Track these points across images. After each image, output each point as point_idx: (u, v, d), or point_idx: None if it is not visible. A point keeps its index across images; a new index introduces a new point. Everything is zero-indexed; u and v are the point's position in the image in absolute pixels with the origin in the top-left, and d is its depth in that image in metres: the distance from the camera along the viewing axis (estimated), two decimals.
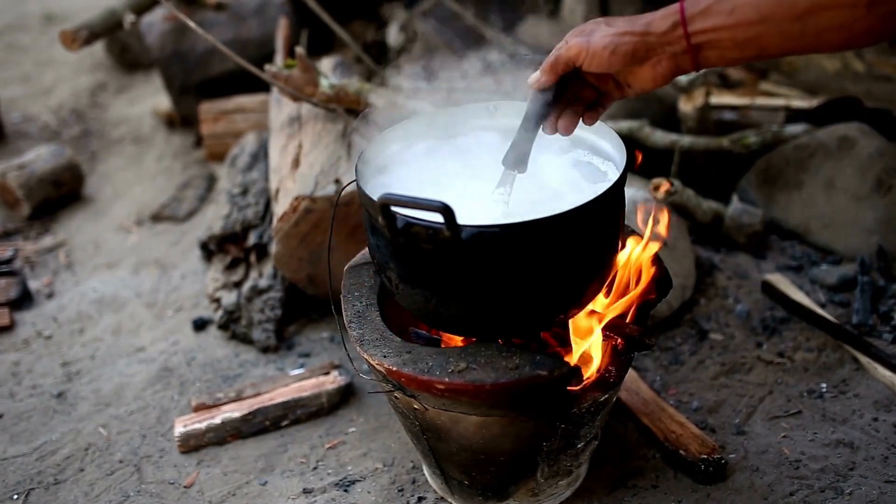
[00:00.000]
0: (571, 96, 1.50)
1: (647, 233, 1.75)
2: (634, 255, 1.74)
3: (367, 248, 1.81)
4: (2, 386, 2.50)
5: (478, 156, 1.74)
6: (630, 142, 2.41)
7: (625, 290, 1.75)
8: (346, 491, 1.99)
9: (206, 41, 2.87)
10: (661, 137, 2.89)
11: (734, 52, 1.29)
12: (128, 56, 4.84)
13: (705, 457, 1.92)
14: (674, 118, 3.09)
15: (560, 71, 1.43)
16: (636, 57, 1.35)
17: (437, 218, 1.33)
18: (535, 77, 1.45)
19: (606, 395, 1.69)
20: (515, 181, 1.53)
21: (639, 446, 2.04)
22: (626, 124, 2.94)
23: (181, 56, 3.89)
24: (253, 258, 2.74)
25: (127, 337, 2.70)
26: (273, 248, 2.53)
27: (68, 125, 4.35)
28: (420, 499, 1.94)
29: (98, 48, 4.81)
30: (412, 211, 1.37)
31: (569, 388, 1.58)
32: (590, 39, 1.37)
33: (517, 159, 1.52)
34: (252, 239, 2.75)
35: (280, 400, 2.23)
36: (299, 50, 2.66)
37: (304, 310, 2.68)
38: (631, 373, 2.20)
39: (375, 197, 1.39)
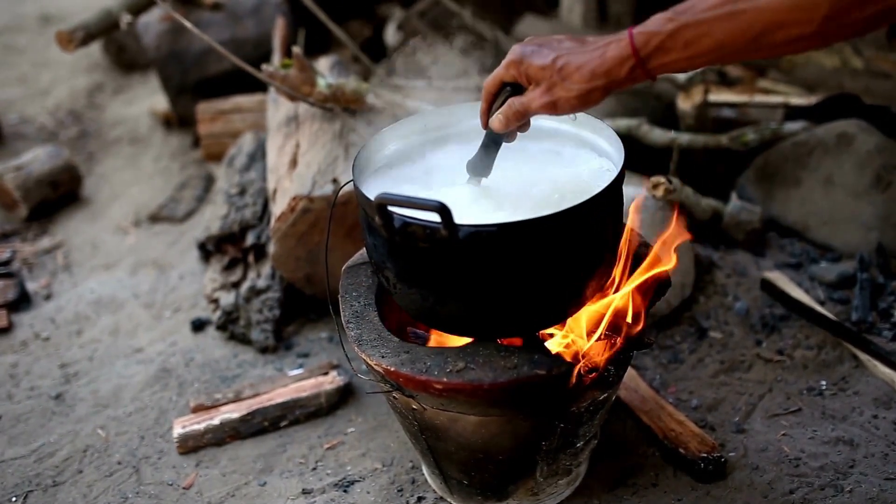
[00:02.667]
0: None
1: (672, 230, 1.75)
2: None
3: (364, 248, 1.80)
4: (0, 388, 2.49)
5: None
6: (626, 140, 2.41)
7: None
8: (345, 491, 1.98)
9: (202, 41, 2.86)
10: (659, 135, 2.89)
11: (687, 69, 1.31)
12: (124, 56, 4.84)
13: (705, 455, 1.91)
14: (672, 116, 3.09)
15: (521, 121, 1.46)
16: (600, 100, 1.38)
17: (435, 217, 1.32)
18: (500, 123, 1.46)
19: (605, 394, 1.68)
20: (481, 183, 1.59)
21: (638, 444, 2.04)
22: (624, 122, 2.94)
23: (178, 56, 3.88)
24: (251, 258, 2.73)
25: (125, 338, 2.70)
26: (271, 248, 2.52)
27: (65, 126, 4.35)
28: (419, 498, 1.93)
29: (95, 49, 4.80)
30: (409, 210, 1.37)
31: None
32: (555, 100, 1.37)
33: (478, 171, 1.57)
34: (250, 239, 2.75)
35: (279, 400, 2.22)
36: (296, 49, 2.65)
37: (302, 310, 2.67)
38: (630, 371, 2.20)
39: (372, 196, 1.38)
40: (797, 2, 1.14)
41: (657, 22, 1.26)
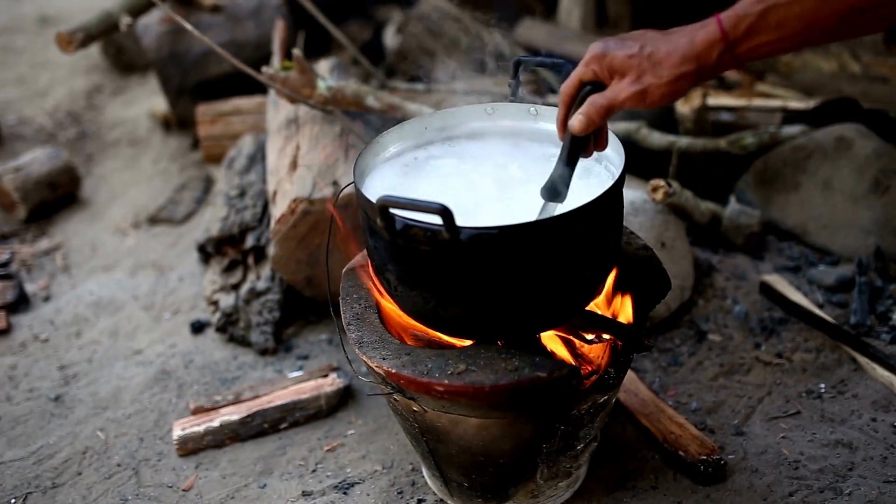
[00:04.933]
0: None
1: None
2: None
3: (365, 250, 1.80)
4: None
5: (475, 157, 1.74)
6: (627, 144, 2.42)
7: None
8: (345, 493, 1.98)
9: (202, 43, 2.87)
10: (658, 139, 2.90)
11: (774, 53, 1.28)
12: (124, 58, 4.84)
13: (704, 457, 1.92)
14: (671, 119, 3.09)
15: (606, 119, 1.38)
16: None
17: (436, 220, 1.33)
18: (581, 124, 1.37)
19: (605, 397, 1.69)
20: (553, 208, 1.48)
21: (638, 447, 2.04)
22: (623, 126, 2.94)
23: (177, 58, 3.88)
24: (251, 260, 2.73)
25: (124, 340, 2.70)
26: (271, 250, 2.53)
27: (64, 127, 4.35)
28: (419, 501, 1.93)
29: (94, 50, 4.80)
30: (411, 213, 1.37)
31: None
32: (645, 88, 1.31)
33: (553, 193, 1.46)
34: (250, 241, 2.75)
35: (278, 402, 2.22)
36: (296, 52, 2.66)
37: (302, 312, 2.67)
38: (630, 374, 2.20)
39: (374, 199, 1.39)
40: None
41: (745, 4, 1.23)
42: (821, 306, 2.47)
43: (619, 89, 1.33)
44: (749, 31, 1.24)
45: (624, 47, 1.31)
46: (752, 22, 1.23)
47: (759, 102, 3.26)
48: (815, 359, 2.30)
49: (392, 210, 1.39)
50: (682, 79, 1.30)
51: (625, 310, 1.74)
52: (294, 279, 2.57)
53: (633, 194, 2.52)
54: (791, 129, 2.90)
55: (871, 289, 2.48)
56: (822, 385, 2.22)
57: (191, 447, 2.17)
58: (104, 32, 3.57)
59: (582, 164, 1.68)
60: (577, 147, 1.41)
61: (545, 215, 1.46)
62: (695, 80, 1.30)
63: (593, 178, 1.65)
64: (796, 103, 3.15)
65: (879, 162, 2.66)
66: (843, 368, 2.26)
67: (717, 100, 3.28)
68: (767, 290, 2.51)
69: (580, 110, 1.37)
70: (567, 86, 1.39)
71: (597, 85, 1.37)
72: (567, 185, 1.44)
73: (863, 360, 2.24)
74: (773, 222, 2.83)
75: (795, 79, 3.62)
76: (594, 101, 1.36)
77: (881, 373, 2.18)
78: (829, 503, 1.84)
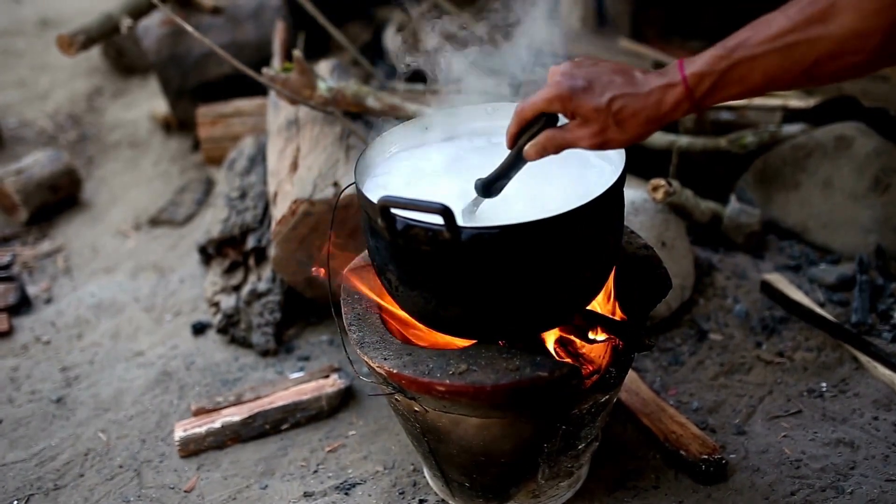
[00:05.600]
0: None
1: None
2: None
3: (366, 251, 1.80)
4: (1, 391, 2.49)
5: (476, 157, 1.74)
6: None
7: None
8: (346, 494, 1.99)
9: (202, 45, 2.87)
10: (658, 138, 2.89)
11: (738, 99, 1.32)
12: (124, 60, 4.84)
13: (706, 457, 1.92)
14: None
15: (559, 153, 1.40)
16: None
17: (437, 220, 1.33)
18: (536, 153, 1.39)
19: (607, 396, 1.69)
20: (482, 203, 1.52)
21: (639, 447, 2.04)
22: None
23: (178, 60, 3.88)
24: (252, 262, 2.73)
25: (126, 341, 2.70)
26: (272, 251, 2.53)
27: (65, 130, 4.35)
28: (421, 501, 1.93)
29: (94, 52, 4.80)
30: (412, 213, 1.37)
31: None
32: (606, 141, 1.32)
33: (487, 191, 1.49)
34: (251, 242, 2.75)
35: (280, 403, 2.22)
36: (296, 53, 2.66)
37: (303, 313, 2.67)
38: (631, 373, 2.20)
39: (375, 199, 1.39)
40: (853, 32, 1.14)
41: (709, 60, 1.25)
42: (822, 305, 2.47)
43: (580, 136, 1.34)
44: (713, 87, 1.26)
45: (592, 96, 1.30)
46: (716, 79, 1.25)
47: (759, 101, 3.25)
48: (816, 358, 2.30)
49: (393, 210, 1.39)
50: (642, 136, 1.33)
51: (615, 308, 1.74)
52: (295, 280, 2.57)
53: (633, 194, 2.52)
54: (791, 128, 2.90)
55: (871, 287, 2.48)
56: (824, 384, 2.22)
57: (192, 448, 2.17)
58: (105, 35, 3.57)
59: (582, 157, 1.68)
60: (521, 163, 1.45)
61: (475, 207, 1.51)
62: (656, 128, 1.33)
63: (593, 171, 1.65)
64: (796, 102, 3.14)
65: (880, 160, 2.66)
66: (844, 367, 2.26)
67: None
68: (768, 289, 2.51)
69: (538, 140, 1.38)
70: (526, 111, 1.38)
71: (553, 116, 1.38)
72: (501, 190, 1.49)
73: (864, 358, 2.23)
74: (774, 221, 2.83)
75: None
76: (553, 136, 1.37)
77: (882, 371, 2.18)
78: (830, 502, 1.84)
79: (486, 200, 1.51)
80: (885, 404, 2.11)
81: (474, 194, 1.59)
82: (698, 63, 1.26)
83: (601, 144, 1.34)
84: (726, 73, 1.24)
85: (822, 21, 1.16)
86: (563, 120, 1.38)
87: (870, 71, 1.20)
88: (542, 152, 1.39)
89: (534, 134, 1.39)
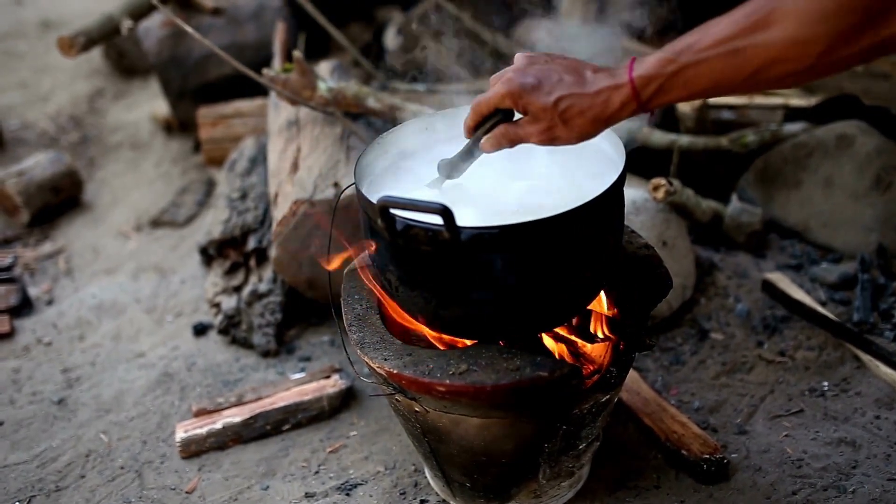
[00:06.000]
0: None
1: None
2: None
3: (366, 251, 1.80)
4: (2, 393, 2.49)
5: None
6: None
7: None
8: (347, 495, 1.98)
9: (203, 46, 2.87)
10: (659, 137, 2.89)
11: (682, 102, 1.37)
12: (125, 62, 4.84)
13: (707, 456, 1.91)
14: (672, 118, 3.09)
15: (513, 147, 1.45)
16: None
17: (437, 220, 1.33)
18: (491, 146, 1.45)
19: (607, 396, 1.69)
20: (444, 184, 1.57)
21: (640, 447, 2.04)
22: (624, 125, 2.94)
23: (179, 61, 3.89)
24: (252, 262, 2.73)
25: (127, 343, 2.70)
26: (273, 252, 2.53)
27: (66, 131, 4.36)
28: (422, 501, 1.93)
29: (95, 54, 4.81)
30: (411, 213, 1.37)
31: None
32: (554, 138, 1.37)
33: (449, 172, 1.55)
34: (251, 243, 2.75)
35: (281, 404, 2.22)
36: (297, 53, 2.66)
37: (304, 314, 2.67)
38: (632, 373, 2.20)
39: (374, 199, 1.39)
40: (794, 39, 1.15)
41: (656, 64, 1.27)
42: (823, 304, 2.46)
43: (530, 132, 1.40)
44: (659, 90, 1.28)
45: (540, 94, 1.34)
46: (662, 83, 1.27)
47: (760, 100, 3.25)
48: (817, 357, 2.29)
49: (392, 210, 1.39)
50: (590, 134, 1.37)
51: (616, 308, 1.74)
52: (296, 281, 2.57)
53: (634, 193, 2.52)
54: (792, 127, 2.90)
55: (873, 286, 2.47)
56: (825, 383, 2.22)
57: (193, 449, 2.17)
58: (105, 36, 3.57)
59: (582, 155, 1.68)
60: (477, 153, 1.52)
61: (434, 187, 1.57)
62: (603, 127, 1.36)
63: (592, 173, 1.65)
64: (797, 101, 3.14)
65: (881, 159, 2.66)
66: (845, 366, 2.26)
67: (718, 98, 3.28)
68: (769, 289, 2.50)
69: (493, 134, 1.44)
70: (482, 105, 1.44)
71: (508, 112, 1.43)
72: (461, 174, 1.56)
73: (866, 357, 2.23)
74: (775, 220, 2.83)
75: None
76: (506, 132, 1.43)
77: (884, 370, 2.17)
78: (832, 501, 1.84)
79: (457, 187, 1.57)
80: (887, 403, 2.10)
81: (474, 195, 1.60)
82: (646, 65, 1.28)
83: (549, 141, 1.39)
84: (672, 77, 1.26)
85: (764, 27, 1.17)
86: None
87: (815, 78, 1.21)
88: (497, 146, 1.45)
89: (490, 127, 1.45)
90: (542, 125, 1.37)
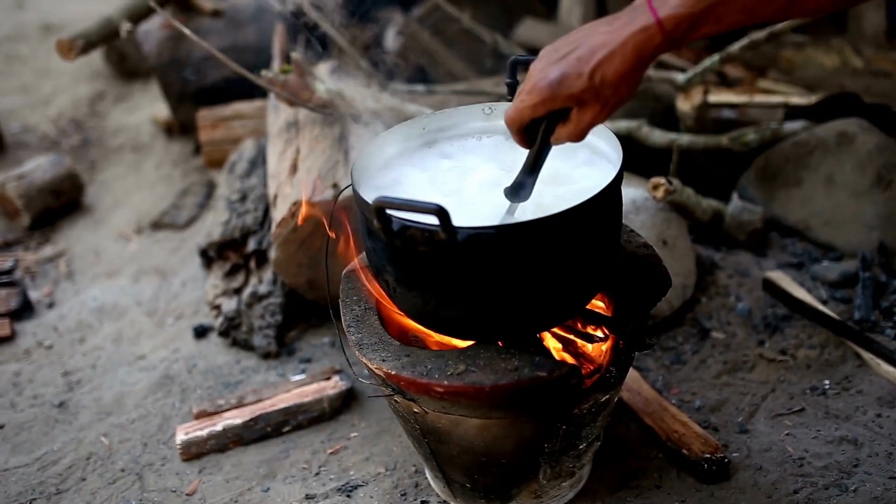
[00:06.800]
0: None
1: None
2: None
3: (363, 252, 1.80)
4: (3, 396, 2.50)
5: (474, 158, 1.73)
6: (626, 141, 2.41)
7: None
8: (348, 496, 1.98)
9: (203, 49, 2.87)
10: (659, 136, 2.89)
11: (712, 35, 1.29)
12: (126, 65, 4.85)
13: (708, 456, 1.91)
14: (672, 117, 3.09)
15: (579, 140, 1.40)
16: None
17: (433, 220, 1.32)
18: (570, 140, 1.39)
19: (608, 396, 1.68)
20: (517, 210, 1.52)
21: (641, 446, 2.03)
22: (624, 124, 2.94)
23: (178, 64, 3.89)
24: (252, 264, 2.73)
25: (127, 345, 2.70)
26: (272, 253, 2.53)
27: (67, 135, 4.36)
28: (423, 502, 1.93)
29: (96, 57, 4.82)
30: (408, 214, 1.37)
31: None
32: (612, 106, 1.32)
33: (516, 194, 1.48)
34: (251, 245, 2.75)
35: (281, 406, 2.22)
36: (295, 55, 2.66)
37: (304, 315, 2.67)
38: (632, 373, 2.20)
39: (371, 200, 1.39)
40: None
41: (684, 1, 1.21)
42: (824, 302, 2.46)
43: (588, 119, 1.33)
44: (690, 28, 1.24)
45: (573, 82, 1.29)
46: (693, 21, 1.23)
47: (760, 99, 3.25)
48: (819, 355, 2.29)
49: (389, 211, 1.38)
50: (638, 80, 1.31)
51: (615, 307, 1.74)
52: (296, 282, 2.57)
53: (634, 192, 2.51)
54: (793, 125, 2.89)
55: (874, 284, 2.46)
56: (827, 382, 2.21)
57: (194, 451, 2.17)
58: (105, 39, 3.58)
59: (580, 153, 1.68)
60: (546, 153, 1.44)
61: (510, 215, 1.50)
62: (645, 71, 1.31)
63: (597, 169, 1.64)
64: (798, 99, 3.14)
65: (882, 157, 2.65)
66: (847, 365, 2.25)
67: (719, 97, 3.27)
68: (770, 287, 2.50)
69: (557, 139, 1.38)
70: (518, 120, 1.39)
71: (555, 113, 1.37)
72: (531, 190, 1.47)
73: (867, 356, 2.22)
74: (776, 219, 2.82)
75: (797, 75, 3.61)
76: (570, 132, 1.36)
77: (886, 368, 2.17)
78: (834, 500, 1.83)
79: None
80: (889, 401, 2.10)
81: (471, 195, 1.59)
82: (672, 2, 1.23)
83: (611, 110, 1.33)
84: (703, 14, 1.21)
85: None
86: None
87: (849, 5, 1.18)
88: (571, 141, 1.39)
89: (544, 136, 1.39)
90: (594, 105, 1.31)
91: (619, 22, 1.28)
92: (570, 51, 1.31)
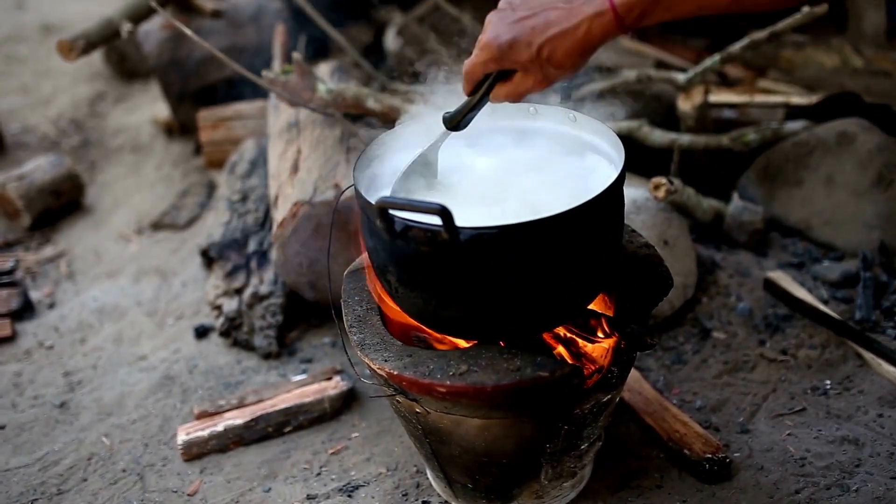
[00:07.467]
0: None
1: None
2: None
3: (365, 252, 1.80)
4: (4, 397, 2.50)
5: (476, 157, 1.73)
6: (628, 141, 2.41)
7: None
8: (349, 496, 1.98)
9: (203, 49, 2.87)
10: (660, 136, 2.89)
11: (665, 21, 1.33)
12: (126, 65, 4.85)
13: (710, 456, 1.91)
14: (672, 117, 3.09)
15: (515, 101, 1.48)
16: None
17: (436, 220, 1.32)
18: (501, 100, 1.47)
19: (609, 396, 1.68)
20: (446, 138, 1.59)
21: (643, 446, 2.03)
22: (624, 124, 2.94)
23: (179, 64, 3.88)
24: (253, 265, 2.73)
25: (128, 346, 2.70)
26: (273, 254, 2.53)
27: (67, 135, 4.36)
28: (424, 503, 1.93)
29: (96, 58, 4.81)
30: (410, 214, 1.37)
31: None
32: (551, 80, 1.38)
33: (452, 122, 1.55)
34: (252, 245, 2.75)
35: (282, 406, 2.22)
36: (296, 55, 2.66)
37: (305, 315, 2.67)
38: (634, 373, 2.20)
39: (373, 200, 1.39)
40: None
41: None
42: (825, 302, 2.46)
43: (527, 85, 1.41)
44: (643, 14, 1.27)
45: (521, 50, 1.35)
46: (645, 7, 1.26)
47: (760, 99, 3.25)
48: (820, 355, 2.29)
49: (391, 211, 1.39)
50: (581, 64, 1.36)
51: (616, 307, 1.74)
52: (296, 283, 2.57)
53: (635, 192, 2.51)
54: (793, 125, 2.89)
55: (875, 284, 2.46)
56: (828, 381, 2.21)
57: (195, 452, 2.17)
58: (105, 39, 3.57)
59: (582, 160, 1.68)
60: (483, 103, 1.51)
61: (441, 140, 1.59)
62: (590, 57, 1.36)
63: (598, 169, 1.64)
64: (798, 99, 3.14)
65: (882, 156, 2.65)
66: (848, 364, 2.25)
67: (719, 97, 3.27)
68: (771, 287, 2.50)
69: (495, 95, 1.46)
70: (472, 73, 1.45)
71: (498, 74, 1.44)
72: (468, 124, 1.55)
73: (868, 355, 2.22)
74: (777, 218, 2.82)
75: (797, 74, 3.61)
76: (508, 91, 1.44)
77: (887, 368, 2.17)
78: (835, 500, 1.83)
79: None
80: (890, 401, 2.10)
81: (474, 195, 1.59)
82: None
83: (547, 84, 1.40)
84: (654, 1, 1.25)
85: None
86: None
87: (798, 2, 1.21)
88: (503, 100, 1.46)
89: (488, 87, 1.45)
90: (536, 75, 1.37)
91: (577, 1, 1.31)
92: (526, 15, 1.35)
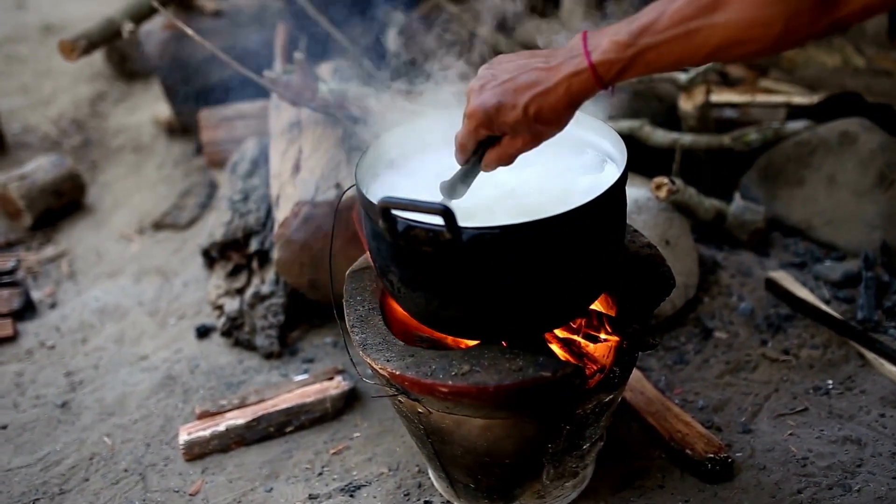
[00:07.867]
0: None
1: None
2: None
3: (368, 252, 1.80)
4: (5, 397, 2.50)
5: None
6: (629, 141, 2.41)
7: None
8: (351, 496, 1.98)
9: (204, 49, 2.87)
10: (661, 136, 2.89)
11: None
12: (127, 65, 4.84)
13: (712, 456, 1.91)
14: (674, 117, 3.09)
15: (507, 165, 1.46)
16: None
17: (438, 220, 1.32)
18: (486, 169, 1.45)
19: (611, 396, 1.68)
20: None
21: (644, 446, 2.03)
22: (626, 124, 2.94)
23: (180, 64, 3.88)
24: (255, 264, 2.73)
25: (130, 346, 2.70)
26: (275, 253, 2.53)
27: (69, 135, 4.36)
28: (426, 503, 1.93)
29: (97, 57, 4.81)
30: (413, 214, 1.37)
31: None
32: (540, 139, 1.39)
33: (453, 194, 1.49)
34: (254, 245, 2.75)
35: (284, 406, 2.22)
36: (297, 55, 2.66)
37: (306, 315, 2.67)
38: (636, 373, 2.20)
39: (375, 200, 1.39)
40: (753, 21, 1.14)
41: (616, 48, 1.26)
42: (827, 302, 2.46)
43: (517, 146, 1.40)
44: (621, 72, 1.28)
45: (507, 110, 1.34)
46: (623, 66, 1.27)
47: (762, 98, 3.25)
48: (822, 355, 2.29)
49: (394, 211, 1.38)
50: (568, 119, 1.37)
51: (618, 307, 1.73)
52: (298, 282, 2.57)
53: (636, 192, 2.51)
54: (795, 125, 2.89)
55: (877, 284, 2.46)
56: (830, 381, 2.21)
57: (197, 452, 2.17)
58: (106, 39, 3.57)
59: (584, 160, 1.68)
60: (477, 171, 1.48)
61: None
62: (575, 112, 1.37)
63: (601, 169, 1.64)
64: (800, 98, 3.14)
65: (884, 156, 2.65)
66: (850, 364, 2.25)
67: (721, 96, 3.27)
68: (773, 287, 2.50)
69: (487, 160, 1.43)
70: (465, 144, 1.44)
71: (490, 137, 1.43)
72: (463, 193, 1.48)
73: (870, 355, 2.22)
74: (778, 218, 2.82)
75: (798, 74, 3.61)
76: (499, 154, 1.42)
77: (889, 368, 2.17)
78: (837, 500, 1.83)
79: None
80: (892, 401, 2.10)
81: (475, 195, 1.59)
82: (604, 50, 1.27)
83: (538, 142, 1.41)
84: (633, 59, 1.26)
85: (720, 7, 1.16)
86: None
87: (775, 53, 1.22)
88: (495, 167, 1.45)
89: (481, 154, 1.43)
90: (525, 135, 1.38)
91: (556, 61, 1.32)
92: (507, 79, 1.36)
